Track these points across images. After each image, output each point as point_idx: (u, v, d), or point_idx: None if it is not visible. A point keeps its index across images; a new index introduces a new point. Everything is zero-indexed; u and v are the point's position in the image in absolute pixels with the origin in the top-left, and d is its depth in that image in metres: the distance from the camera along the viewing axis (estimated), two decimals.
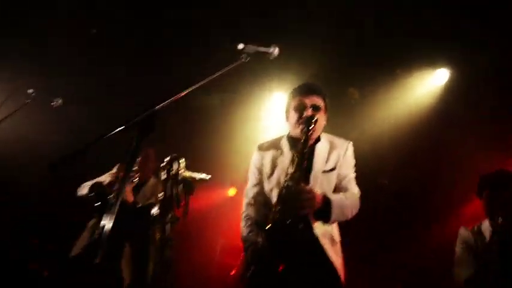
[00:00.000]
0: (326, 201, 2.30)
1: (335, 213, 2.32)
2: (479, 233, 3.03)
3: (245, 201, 2.71)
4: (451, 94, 5.27)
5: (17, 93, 3.49)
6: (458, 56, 5.00)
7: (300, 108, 2.56)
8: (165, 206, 2.53)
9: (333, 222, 2.43)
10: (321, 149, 2.59)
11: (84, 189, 3.45)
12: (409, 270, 5.79)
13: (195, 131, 5.99)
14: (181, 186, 2.58)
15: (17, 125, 3.95)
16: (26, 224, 4.91)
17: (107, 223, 1.47)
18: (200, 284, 5.95)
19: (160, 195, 2.59)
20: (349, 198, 2.47)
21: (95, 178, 3.56)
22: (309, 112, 2.52)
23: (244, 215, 2.66)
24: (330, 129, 2.76)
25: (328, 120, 2.70)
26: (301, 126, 2.48)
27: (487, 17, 4.38)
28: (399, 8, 4.50)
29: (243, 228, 2.61)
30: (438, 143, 5.70)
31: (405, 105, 5.46)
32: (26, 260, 4.29)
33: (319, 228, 2.42)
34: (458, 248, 3.11)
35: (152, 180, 3.66)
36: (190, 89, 1.95)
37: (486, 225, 3.02)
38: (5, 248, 4.45)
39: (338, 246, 2.53)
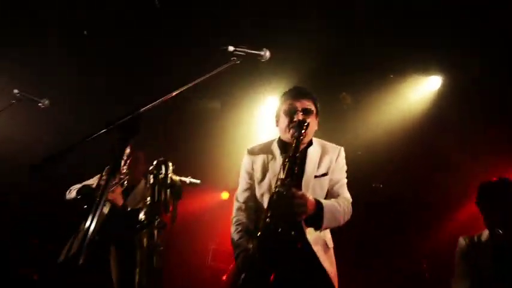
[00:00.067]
0: (318, 207, 2.21)
1: (327, 219, 2.23)
2: (478, 243, 2.90)
3: (235, 205, 2.63)
4: (444, 99, 5.22)
5: (2, 93, 3.39)
6: (451, 62, 4.95)
7: (291, 112, 2.47)
8: (152, 211, 2.42)
9: (324, 229, 2.32)
10: (312, 154, 2.51)
11: (72, 193, 3.39)
12: (404, 275, 5.71)
13: (187, 134, 5.93)
14: (169, 191, 2.46)
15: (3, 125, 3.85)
16: (25, 224, 4.81)
17: (89, 225, 1.39)
18: None
19: (148, 200, 2.47)
20: (342, 204, 2.38)
21: (85, 181, 3.50)
22: (299, 116, 2.43)
23: (234, 220, 2.57)
24: (322, 134, 2.68)
25: (320, 124, 2.62)
26: (292, 131, 2.38)
27: (480, 23, 4.33)
28: (392, 14, 4.45)
29: (233, 233, 2.53)
30: (431, 148, 5.64)
31: (398, 111, 5.40)
32: (17, 265, 4.19)
33: (311, 234, 2.34)
34: (457, 259, 3.00)
35: (142, 184, 3.58)
36: (177, 91, 1.88)
37: (486, 236, 2.90)
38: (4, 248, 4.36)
39: (331, 252, 2.45)
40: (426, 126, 5.36)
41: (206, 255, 6.21)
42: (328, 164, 2.49)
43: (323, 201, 2.27)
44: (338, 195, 2.45)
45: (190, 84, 1.90)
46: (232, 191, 6.06)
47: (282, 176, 2.19)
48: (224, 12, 4.60)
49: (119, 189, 3.33)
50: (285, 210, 2.11)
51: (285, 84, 4.56)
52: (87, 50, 4.89)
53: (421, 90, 5.30)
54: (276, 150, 2.55)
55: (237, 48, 2.02)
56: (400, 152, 5.66)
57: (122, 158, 3.47)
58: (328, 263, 2.35)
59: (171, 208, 2.53)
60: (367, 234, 5.98)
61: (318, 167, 2.47)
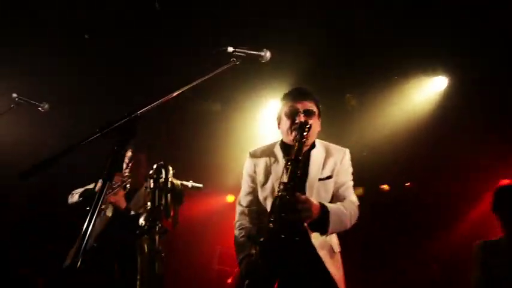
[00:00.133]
0: (323, 211, 2.15)
1: (333, 223, 2.16)
2: (496, 249, 2.79)
3: (238, 210, 2.57)
4: (449, 100, 5.16)
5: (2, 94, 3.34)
6: (456, 63, 4.88)
7: (292, 114, 2.41)
8: (153, 216, 2.35)
9: (330, 233, 2.26)
10: (316, 156, 2.45)
11: (74, 197, 3.36)
12: (411, 277, 5.65)
13: (191, 136, 5.89)
14: (169, 195, 2.39)
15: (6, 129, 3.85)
16: (25, 224, 4.78)
17: (86, 230, 1.36)
18: None
19: (148, 205, 2.41)
20: (348, 207, 2.31)
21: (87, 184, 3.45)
22: (301, 118, 2.36)
23: (237, 224, 2.52)
24: (327, 136, 2.63)
25: (324, 126, 2.57)
26: (294, 133, 2.32)
27: (483, 23, 4.28)
28: (395, 14, 4.39)
29: (236, 238, 2.48)
30: (437, 149, 5.59)
31: (403, 112, 5.35)
32: (17, 265, 4.15)
33: (316, 239, 2.27)
34: (473, 265, 2.89)
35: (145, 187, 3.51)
36: (176, 93, 1.83)
37: (504, 241, 2.80)
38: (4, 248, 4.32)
39: (338, 257, 2.39)
40: (431, 127, 5.31)
41: (212, 258, 6.18)
42: (332, 166, 2.43)
43: (328, 204, 2.22)
44: (344, 199, 2.39)
45: (188, 86, 1.85)
46: (237, 194, 6.06)
47: (284, 179, 2.13)
48: (224, 12, 4.56)
49: (122, 192, 3.28)
50: (288, 215, 2.05)
51: (287, 86, 4.52)
52: (87, 50, 4.85)
53: (426, 91, 5.24)
54: (279, 153, 2.49)
55: (237, 49, 1.96)
56: (405, 153, 5.63)
57: (119, 162, 3.41)
58: (334, 268, 2.29)
59: (172, 213, 2.46)
60: (373, 235, 5.92)
61: (322, 170, 2.42)
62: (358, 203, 2.43)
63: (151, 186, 2.43)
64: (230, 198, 6.70)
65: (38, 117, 3.80)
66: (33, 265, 4.02)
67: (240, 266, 2.33)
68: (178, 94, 1.81)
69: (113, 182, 3.13)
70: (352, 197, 2.43)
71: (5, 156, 4.26)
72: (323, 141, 2.56)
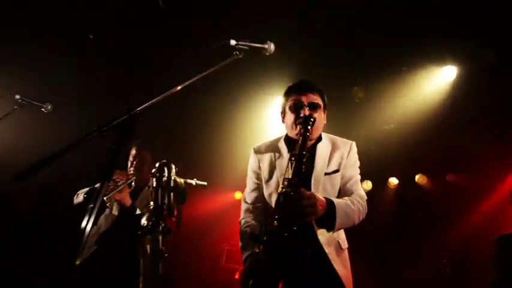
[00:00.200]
0: (330, 206, 2.06)
1: (340, 219, 2.08)
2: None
3: (243, 207, 2.50)
4: (460, 90, 5.02)
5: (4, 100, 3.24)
6: (465, 52, 4.75)
7: (297, 108, 2.31)
8: (155, 216, 2.22)
9: (338, 229, 2.16)
10: (322, 150, 2.36)
11: (80, 197, 3.29)
12: (422, 270, 5.56)
13: (199, 134, 5.83)
14: (172, 194, 2.27)
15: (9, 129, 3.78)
16: (25, 224, 4.69)
17: (85, 228, 1.35)
18: None
19: (151, 204, 2.28)
20: (356, 202, 2.21)
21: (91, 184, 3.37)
22: (306, 111, 2.27)
23: (242, 222, 2.44)
24: (334, 129, 2.55)
25: (332, 119, 2.48)
26: (298, 127, 2.22)
27: (493, 11, 4.15)
28: (402, 3, 4.28)
29: (241, 236, 2.40)
30: (447, 140, 5.48)
31: (413, 103, 5.21)
32: (17, 265, 4.05)
33: (323, 235, 2.18)
34: (490, 264, 2.83)
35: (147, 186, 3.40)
36: (176, 89, 1.80)
37: None
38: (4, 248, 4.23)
39: (345, 254, 2.29)
40: (441, 117, 5.20)
41: (220, 256, 6.07)
42: (339, 160, 2.34)
43: (335, 200, 2.13)
44: (351, 193, 2.29)
45: (190, 81, 1.80)
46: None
47: (288, 175, 2.04)
48: (224, 12, 4.50)
49: (127, 190, 3.18)
50: (293, 212, 1.96)
51: (293, 80, 4.44)
52: (87, 50, 4.79)
53: (435, 81, 5.08)
54: (283, 148, 2.41)
55: (239, 42, 1.88)
56: (415, 145, 5.49)
57: (119, 160, 3.31)
58: (341, 265, 2.20)
59: (175, 212, 2.34)
60: (382, 227, 5.83)
61: (328, 164, 2.32)
62: (366, 197, 2.34)
63: (154, 185, 2.31)
64: (238, 195, 6.64)
65: (38, 117, 3.70)
66: (33, 265, 3.92)
67: (244, 265, 2.25)
68: (178, 90, 1.77)
69: (118, 180, 3.06)
70: (360, 191, 2.33)
71: (5, 156, 4.17)
72: (329, 135, 2.47)
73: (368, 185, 6.27)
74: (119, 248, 2.85)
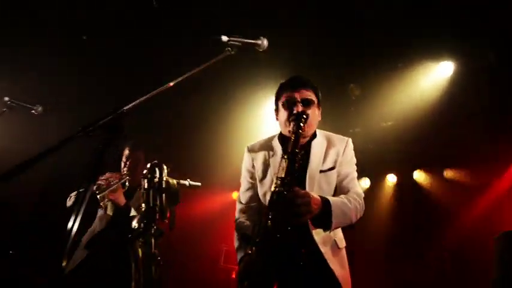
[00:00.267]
0: (325, 205, 1.95)
1: (336, 217, 1.97)
2: None
3: (237, 207, 2.41)
4: (457, 86, 4.90)
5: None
6: (462, 47, 4.65)
7: (289, 104, 2.20)
8: (147, 218, 2.10)
9: (334, 228, 2.04)
10: (317, 147, 2.25)
11: (72, 199, 3.21)
12: (419, 268, 5.45)
13: (195, 134, 5.72)
14: (164, 195, 2.15)
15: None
16: (25, 224, 4.61)
17: (71, 229, 1.29)
18: None
19: (143, 206, 2.16)
20: (352, 200, 2.10)
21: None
22: (299, 108, 2.16)
23: (237, 222, 2.35)
24: (331, 127, 2.45)
25: (327, 117, 2.37)
26: (291, 124, 2.11)
27: (490, 7, 4.07)
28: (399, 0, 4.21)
29: (235, 237, 2.32)
30: (445, 136, 5.37)
31: (410, 99, 5.10)
32: (17, 265, 3.96)
33: (319, 234, 2.08)
34: (493, 263, 2.79)
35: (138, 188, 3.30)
36: (163, 88, 1.77)
37: None
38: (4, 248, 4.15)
39: (342, 253, 2.19)
40: (438, 113, 5.09)
41: (219, 257, 5.96)
42: (334, 157, 2.24)
43: (330, 198, 2.03)
44: (348, 191, 2.19)
45: (180, 78, 1.75)
46: None
47: (281, 174, 1.94)
48: (224, 12, 4.41)
49: (121, 190, 3.08)
50: (286, 212, 1.87)
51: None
52: (87, 50, 4.72)
53: (432, 77, 4.96)
54: (277, 146, 2.30)
55: (232, 38, 1.78)
56: (412, 141, 5.42)
57: (116, 161, 3.23)
58: (338, 265, 2.09)
59: (168, 214, 2.22)
60: (381, 226, 5.72)
61: (324, 161, 2.22)
62: (364, 195, 2.22)
63: (146, 186, 2.20)
64: (235, 195, 6.53)
65: (37, 118, 3.61)
66: (33, 265, 3.83)
67: (239, 266, 2.16)
68: (165, 89, 1.73)
69: (111, 179, 2.97)
70: (356, 189, 2.21)
71: (5, 156, 4.08)
72: (324, 131, 2.37)
73: (366, 182, 6.17)
74: (113, 250, 2.75)
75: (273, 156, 2.26)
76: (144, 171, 2.17)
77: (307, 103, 2.19)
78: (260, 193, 2.26)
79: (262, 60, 4.49)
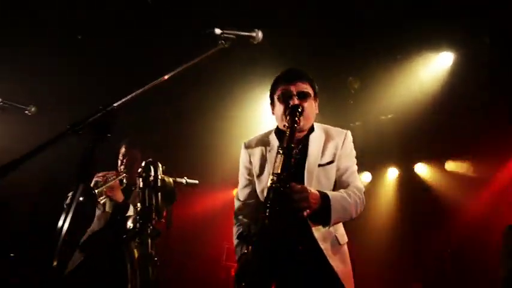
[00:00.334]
0: (324, 200, 1.88)
1: (336, 212, 1.89)
2: None
3: (236, 205, 2.35)
4: (457, 77, 4.79)
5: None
6: (461, 37, 4.54)
7: (285, 98, 2.10)
8: (143, 218, 2.01)
9: (334, 224, 1.96)
10: (315, 140, 2.16)
11: (68, 200, 3.06)
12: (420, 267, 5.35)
13: (195, 131, 5.63)
14: (160, 194, 2.06)
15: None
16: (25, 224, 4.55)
17: (61, 228, 1.23)
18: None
19: (138, 205, 2.07)
20: (352, 194, 2.02)
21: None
22: (294, 101, 2.07)
23: (235, 220, 2.28)
24: (329, 121, 2.35)
25: (326, 111, 2.24)
26: (288, 118, 2.02)
27: None
28: None
29: (234, 235, 2.25)
30: (446, 128, 5.28)
31: (410, 91, 4.99)
32: (17, 265, 3.91)
33: (319, 230, 1.99)
34: (502, 253, 2.75)
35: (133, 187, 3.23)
36: (156, 82, 1.73)
37: None
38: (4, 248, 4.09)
39: (344, 249, 2.09)
40: (439, 105, 4.98)
41: (221, 255, 5.87)
42: (333, 151, 2.14)
43: (329, 193, 1.95)
44: (348, 185, 2.09)
45: (172, 73, 1.68)
46: None
47: (277, 170, 1.85)
48: (224, 12, 4.32)
49: (119, 187, 3.03)
50: (283, 208, 1.78)
51: None
52: (87, 50, 4.64)
53: (432, 68, 4.83)
54: (274, 141, 2.20)
55: (225, 31, 1.70)
56: (413, 133, 5.32)
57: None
58: (339, 261, 2.00)
59: (164, 213, 2.12)
60: (380, 223, 5.64)
61: (322, 155, 2.13)
62: (364, 189, 2.13)
63: (141, 185, 2.11)
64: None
65: (37, 118, 3.53)
66: (33, 265, 3.77)
67: (237, 266, 2.08)
68: (161, 82, 1.66)
69: (108, 176, 2.93)
70: (356, 183, 2.12)
71: (6, 155, 4.01)
72: (322, 125, 2.27)
73: (367, 176, 6.06)
74: (109, 250, 2.67)
75: (270, 151, 2.18)
76: (139, 170, 2.09)
77: (303, 96, 2.10)
78: (258, 190, 2.18)
79: (260, 55, 4.42)
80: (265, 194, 2.01)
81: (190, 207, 5.16)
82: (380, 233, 5.77)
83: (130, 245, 2.11)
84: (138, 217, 2.06)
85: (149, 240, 2.00)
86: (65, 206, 3.08)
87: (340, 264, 1.99)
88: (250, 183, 2.24)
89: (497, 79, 4.63)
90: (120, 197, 2.94)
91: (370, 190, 5.93)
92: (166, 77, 1.70)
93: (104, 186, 2.80)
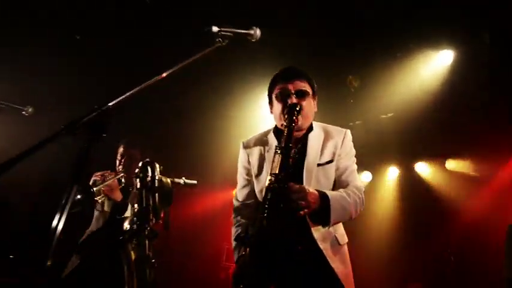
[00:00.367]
0: (323, 200, 1.84)
1: (335, 212, 1.86)
2: None
3: (234, 205, 2.31)
4: (457, 75, 4.71)
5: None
6: (461, 35, 4.47)
7: (283, 97, 2.06)
8: (140, 219, 1.97)
9: (333, 224, 1.92)
10: (314, 139, 2.12)
11: None
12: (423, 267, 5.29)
13: (195, 131, 5.56)
14: (157, 195, 2.02)
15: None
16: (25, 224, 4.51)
17: (55, 228, 1.21)
18: None
19: (135, 206, 2.03)
20: (352, 194, 1.98)
21: None
22: (292, 99, 2.02)
23: (234, 221, 2.24)
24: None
25: (325, 110, 2.21)
26: (286, 117, 1.98)
27: None
28: None
29: (232, 236, 2.21)
30: (446, 126, 5.21)
31: (410, 89, 4.92)
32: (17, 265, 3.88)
33: (318, 231, 1.94)
34: (506, 248, 2.73)
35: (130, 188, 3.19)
36: (151, 81, 1.71)
37: None
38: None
39: (344, 249, 2.05)
40: (440, 103, 4.91)
41: (221, 256, 5.82)
42: (332, 150, 2.10)
43: (329, 192, 1.91)
44: (347, 184, 2.06)
45: (168, 72, 1.65)
46: None
47: (275, 170, 1.82)
48: (224, 12, 4.27)
49: (117, 185, 2.97)
50: (282, 208, 1.75)
51: None
52: (87, 50, 4.60)
53: (432, 66, 4.76)
54: (273, 140, 2.16)
55: (222, 29, 1.66)
56: (413, 132, 5.27)
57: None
58: (339, 262, 1.96)
59: (162, 214, 2.08)
60: (382, 222, 5.58)
61: (321, 154, 2.08)
62: (364, 189, 2.09)
63: (138, 186, 2.07)
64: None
65: (37, 118, 3.50)
66: (33, 265, 3.72)
67: (236, 265, 2.06)
68: (152, 83, 1.65)
69: (106, 175, 2.88)
70: (356, 182, 2.08)
71: (3, 156, 3.97)
72: (321, 123, 2.23)
73: (367, 176, 6.01)
74: (106, 252, 2.63)
75: (268, 151, 2.13)
76: (136, 170, 2.05)
77: (301, 94, 2.06)
78: (257, 190, 2.14)
79: (260, 55, 4.37)
80: (263, 194, 1.99)
81: (190, 207, 5.11)
82: (380, 233, 5.71)
83: (127, 246, 2.06)
84: (135, 218, 2.02)
85: (146, 242, 1.96)
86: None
87: (340, 265, 1.95)
88: (249, 183, 2.20)
89: (498, 78, 4.57)
90: (118, 196, 2.90)
91: (371, 189, 5.88)
92: (164, 74, 1.68)
93: (102, 185, 2.76)
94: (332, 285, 1.90)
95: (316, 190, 1.86)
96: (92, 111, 1.39)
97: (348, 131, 2.19)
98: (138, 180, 2.02)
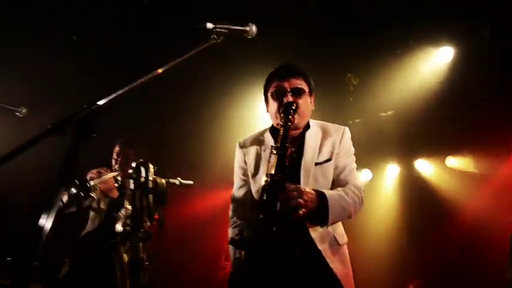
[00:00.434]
0: (321, 199, 1.77)
1: (333, 212, 1.78)
2: None
3: (231, 206, 2.21)
4: (457, 72, 4.63)
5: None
6: (461, 32, 4.40)
7: (279, 95, 1.99)
8: (134, 221, 1.90)
9: (332, 224, 1.86)
10: (311, 138, 2.04)
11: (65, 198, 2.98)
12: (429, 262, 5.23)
13: (193, 131, 5.48)
14: (152, 196, 1.94)
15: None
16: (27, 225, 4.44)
17: (45, 223, 1.22)
18: None
19: (129, 208, 1.96)
20: (350, 193, 1.90)
21: None
22: (288, 98, 1.95)
23: (231, 222, 2.15)
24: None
25: (324, 108, 2.11)
26: (281, 116, 1.91)
27: None
28: None
29: (229, 237, 2.09)
30: (446, 123, 5.11)
31: (409, 87, 4.83)
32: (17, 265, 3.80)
33: (317, 231, 1.87)
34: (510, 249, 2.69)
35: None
36: (145, 78, 1.62)
37: None
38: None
39: (343, 249, 1.97)
40: (441, 99, 4.82)
41: (220, 256, 5.75)
42: (330, 148, 2.02)
43: (327, 191, 1.84)
44: (346, 183, 1.98)
45: (163, 68, 1.67)
46: None
47: (271, 170, 1.75)
48: (224, 12, 4.20)
49: (112, 182, 2.95)
50: (277, 209, 1.69)
51: None
52: (87, 50, 4.55)
53: (432, 63, 4.67)
54: (269, 140, 2.09)
55: (217, 25, 1.61)
56: (413, 130, 5.22)
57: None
58: (338, 262, 1.89)
59: (156, 216, 2.01)
60: (385, 220, 5.52)
61: (319, 153, 2.01)
62: (364, 188, 2.01)
63: (132, 187, 1.99)
64: None
65: (37, 118, 3.44)
66: (33, 265, 3.66)
67: (232, 267, 1.98)
68: (146, 80, 1.57)
69: (102, 172, 2.87)
70: (355, 181, 2.01)
71: None
72: (319, 121, 2.15)
73: (367, 174, 5.93)
74: (103, 252, 2.57)
75: (264, 150, 2.07)
76: (130, 171, 1.98)
77: (297, 92, 1.99)
78: (253, 190, 2.06)
79: (259, 55, 4.31)
80: (260, 194, 1.94)
81: (187, 207, 5.06)
82: (380, 232, 5.65)
83: (119, 249, 1.99)
84: (128, 220, 1.95)
85: (140, 244, 1.89)
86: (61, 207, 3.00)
87: (340, 265, 1.88)
88: (246, 183, 2.13)
89: (498, 74, 4.50)
90: (115, 192, 2.88)
91: (371, 188, 5.80)
92: (160, 70, 1.68)
93: (98, 180, 2.74)
94: (331, 286, 1.83)
95: (314, 189, 1.80)
96: (81, 110, 1.31)
97: (347, 128, 2.12)
98: (132, 181, 1.95)
